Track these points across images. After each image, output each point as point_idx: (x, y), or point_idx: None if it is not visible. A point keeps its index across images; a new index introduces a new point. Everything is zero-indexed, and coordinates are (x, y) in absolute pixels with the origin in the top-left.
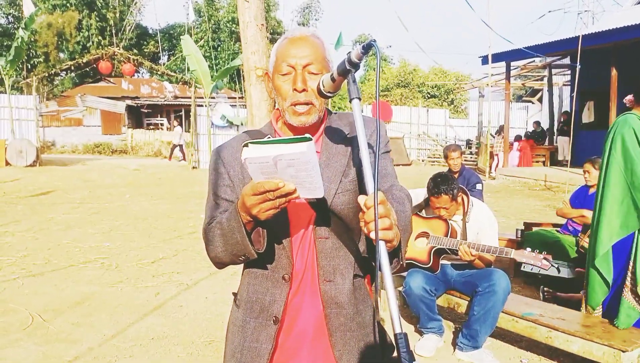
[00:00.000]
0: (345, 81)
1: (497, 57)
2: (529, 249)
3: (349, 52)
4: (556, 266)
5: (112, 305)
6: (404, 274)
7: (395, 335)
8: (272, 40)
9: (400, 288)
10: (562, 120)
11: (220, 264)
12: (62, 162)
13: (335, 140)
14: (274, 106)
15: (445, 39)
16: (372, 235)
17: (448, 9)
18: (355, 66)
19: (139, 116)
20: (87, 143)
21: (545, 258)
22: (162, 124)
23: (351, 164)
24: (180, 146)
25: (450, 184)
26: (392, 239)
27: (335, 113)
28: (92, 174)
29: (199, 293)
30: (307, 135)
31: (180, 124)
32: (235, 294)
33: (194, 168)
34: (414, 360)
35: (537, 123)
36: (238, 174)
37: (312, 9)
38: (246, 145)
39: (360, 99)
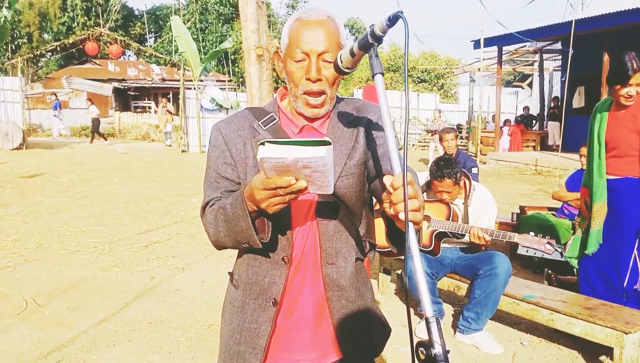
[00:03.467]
0: (367, 55)
1: (489, 42)
2: (532, 233)
3: (372, 25)
4: (560, 250)
5: (107, 289)
6: None
7: (425, 319)
8: None
9: (400, 271)
10: (552, 105)
11: (221, 247)
12: (48, 145)
13: (341, 124)
14: (275, 86)
15: (436, 23)
16: (401, 216)
17: None
18: (379, 40)
19: (126, 98)
20: (74, 125)
21: (549, 243)
22: (149, 107)
23: (357, 148)
24: (94, 124)
25: (454, 168)
26: (420, 221)
27: (343, 99)
28: (80, 157)
29: (195, 277)
30: (327, 138)
31: (93, 103)
32: (231, 274)
33: (183, 151)
34: (445, 344)
35: (527, 108)
36: (240, 152)
37: None
38: (262, 143)
39: (383, 74)
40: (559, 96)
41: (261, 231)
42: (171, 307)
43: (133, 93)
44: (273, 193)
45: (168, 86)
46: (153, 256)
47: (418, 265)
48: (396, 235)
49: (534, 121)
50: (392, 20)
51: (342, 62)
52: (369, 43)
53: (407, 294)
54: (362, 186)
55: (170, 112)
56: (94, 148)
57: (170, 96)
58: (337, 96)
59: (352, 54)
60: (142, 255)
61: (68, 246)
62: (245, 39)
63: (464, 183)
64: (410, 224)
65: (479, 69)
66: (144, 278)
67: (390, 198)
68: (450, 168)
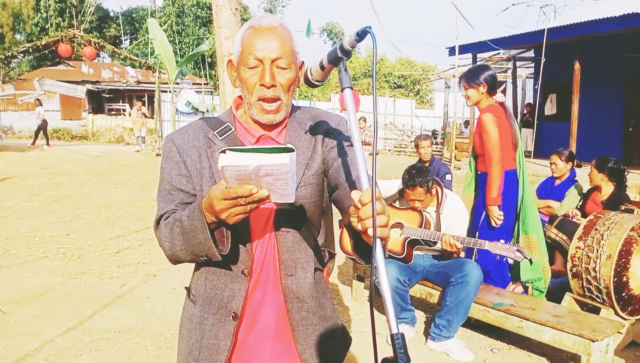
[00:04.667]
0: (337, 69)
1: (463, 49)
2: (502, 240)
3: (342, 39)
4: (529, 257)
5: (75, 297)
6: None
7: (391, 335)
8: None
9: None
10: (525, 112)
11: (177, 262)
12: (19, 148)
13: (299, 133)
14: None
15: (412, 30)
16: (370, 232)
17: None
18: (348, 54)
19: (100, 101)
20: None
21: (518, 250)
22: (124, 110)
23: (315, 158)
24: (42, 125)
25: (425, 176)
26: (387, 236)
27: (300, 108)
28: (51, 160)
29: (166, 284)
30: (290, 145)
31: (41, 104)
32: (188, 288)
33: (157, 154)
34: (410, 361)
35: None
36: (196, 163)
37: None
38: (224, 151)
39: (352, 88)
40: (532, 103)
41: (220, 244)
42: (141, 315)
43: (107, 95)
44: (234, 202)
45: (143, 88)
46: (124, 263)
47: (384, 282)
48: (362, 246)
49: None
50: (361, 35)
51: (312, 75)
52: (338, 57)
53: (372, 308)
54: (320, 195)
55: (146, 115)
56: (68, 151)
57: (146, 98)
58: (293, 104)
59: (322, 67)
60: (112, 262)
61: (36, 252)
62: (218, 45)
63: (436, 191)
64: (378, 240)
65: (453, 76)
66: (114, 285)
67: (358, 213)
68: (422, 177)
